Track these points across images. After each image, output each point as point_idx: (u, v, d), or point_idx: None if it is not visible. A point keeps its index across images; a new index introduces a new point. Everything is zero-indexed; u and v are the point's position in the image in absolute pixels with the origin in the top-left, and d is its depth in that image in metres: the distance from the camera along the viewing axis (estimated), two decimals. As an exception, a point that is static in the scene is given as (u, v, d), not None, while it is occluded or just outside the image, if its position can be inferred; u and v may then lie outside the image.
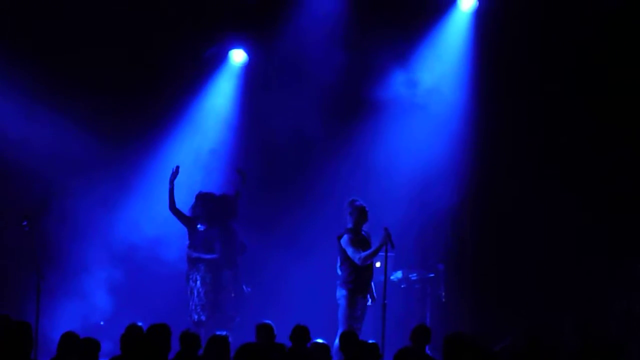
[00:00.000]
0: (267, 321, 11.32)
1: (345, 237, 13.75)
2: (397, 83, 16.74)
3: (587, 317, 15.07)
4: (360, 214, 13.81)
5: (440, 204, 16.41)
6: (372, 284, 13.91)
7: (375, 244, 13.66)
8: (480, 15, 16.60)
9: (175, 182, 15.19)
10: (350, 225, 13.81)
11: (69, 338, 9.79)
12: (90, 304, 16.33)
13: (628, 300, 15.02)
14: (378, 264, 14.95)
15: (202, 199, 15.33)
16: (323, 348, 10.80)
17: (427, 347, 11.51)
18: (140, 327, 10.28)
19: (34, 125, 16.19)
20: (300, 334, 11.05)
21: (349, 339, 11.23)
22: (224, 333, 10.11)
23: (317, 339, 11.07)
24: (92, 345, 9.51)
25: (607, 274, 15.31)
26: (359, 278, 13.70)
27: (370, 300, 13.89)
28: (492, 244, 16.18)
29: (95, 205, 16.67)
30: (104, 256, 16.62)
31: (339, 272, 13.83)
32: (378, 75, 16.67)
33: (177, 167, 15.26)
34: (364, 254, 13.62)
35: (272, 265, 16.76)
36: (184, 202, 15.42)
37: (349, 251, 13.67)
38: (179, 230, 15.49)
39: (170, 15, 16.47)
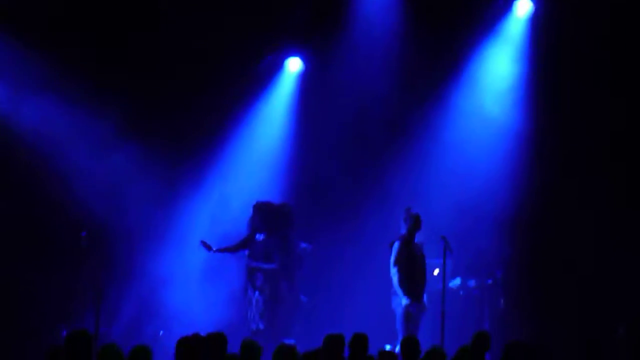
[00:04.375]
0: (336, 332, 11.15)
1: (396, 244, 13.78)
2: (455, 91, 16.71)
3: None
4: (414, 222, 13.89)
5: (499, 210, 16.29)
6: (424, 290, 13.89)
7: (430, 252, 13.69)
8: (537, 20, 16.50)
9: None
10: (403, 232, 13.87)
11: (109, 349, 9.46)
12: (150, 313, 16.37)
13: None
14: (436, 272, 14.89)
15: (259, 209, 15.35)
16: (390, 356, 10.61)
17: (486, 354, 11.41)
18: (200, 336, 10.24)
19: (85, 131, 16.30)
20: (359, 342, 10.96)
21: (411, 344, 11.08)
22: (292, 342, 10.02)
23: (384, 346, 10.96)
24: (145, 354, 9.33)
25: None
26: (411, 285, 13.69)
27: (425, 307, 13.85)
28: (551, 251, 16.03)
29: (155, 212, 16.73)
30: (166, 266, 16.66)
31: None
32: (435, 84, 16.64)
33: (202, 242, 15.33)
34: (398, 272, 13.57)
35: (338, 266, 16.63)
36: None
37: (391, 259, 13.67)
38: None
39: (225, 25, 16.50)
